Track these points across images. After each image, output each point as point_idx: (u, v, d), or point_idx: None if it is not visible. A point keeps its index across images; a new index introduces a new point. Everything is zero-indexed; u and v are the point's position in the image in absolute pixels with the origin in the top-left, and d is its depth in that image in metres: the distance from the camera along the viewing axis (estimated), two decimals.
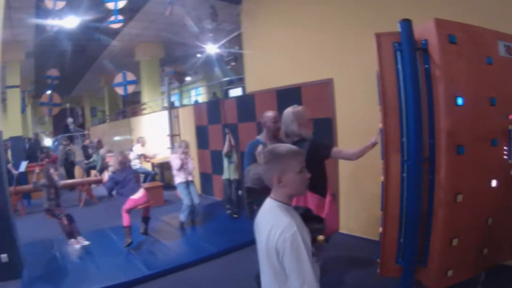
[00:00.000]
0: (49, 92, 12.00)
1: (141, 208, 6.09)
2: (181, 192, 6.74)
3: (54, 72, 11.46)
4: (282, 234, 1.76)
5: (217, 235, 6.26)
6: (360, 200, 5.20)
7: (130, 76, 10.89)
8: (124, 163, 6.07)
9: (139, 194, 5.96)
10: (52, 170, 6.15)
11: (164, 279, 4.93)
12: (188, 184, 6.76)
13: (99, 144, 11.45)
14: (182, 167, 6.68)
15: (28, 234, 6.62)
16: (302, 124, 3.60)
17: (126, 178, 5.96)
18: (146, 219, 6.20)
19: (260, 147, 3.97)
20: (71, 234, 5.91)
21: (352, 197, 5.28)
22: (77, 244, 5.83)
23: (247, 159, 3.90)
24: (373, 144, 3.61)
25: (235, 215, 7.15)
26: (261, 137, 4.23)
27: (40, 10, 9.78)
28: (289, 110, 3.69)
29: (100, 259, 5.48)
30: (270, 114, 4.20)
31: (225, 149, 7.19)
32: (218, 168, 7.70)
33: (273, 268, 1.81)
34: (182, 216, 6.72)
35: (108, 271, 5.11)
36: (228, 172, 7.24)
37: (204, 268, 5.15)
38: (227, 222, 7.00)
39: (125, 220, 5.87)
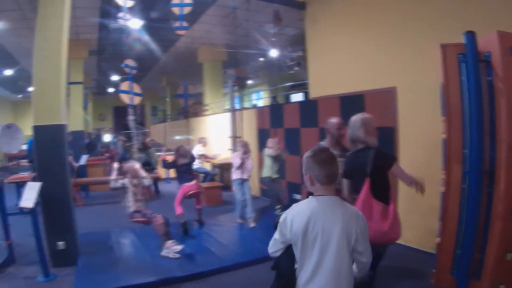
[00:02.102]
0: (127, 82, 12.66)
1: (192, 196, 7.04)
2: (235, 188, 7.45)
3: (131, 62, 12.16)
4: (360, 221, 2.28)
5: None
6: (417, 211, 5.23)
7: (191, 90, 11.34)
8: (184, 156, 7.03)
9: (192, 182, 6.95)
10: (137, 166, 5.97)
11: (217, 277, 5.09)
12: (243, 181, 7.36)
13: (144, 145, 12.05)
14: (241, 166, 7.28)
15: (85, 225, 6.88)
16: (369, 131, 3.72)
17: (183, 168, 6.98)
18: (199, 211, 7.19)
19: None
20: (168, 234, 5.58)
21: (410, 207, 5.30)
22: (178, 246, 5.45)
23: None
24: (421, 187, 3.58)
25: None
26: (325, 142, 4.48)
27: (105, 10, 10.53)
28: (358, 117, 3.83)
29: (156, 253, 5.66)
30: (334, 120, 4.44)
31: (273, 151, 7.13)
32: (279, 171, 7.77)
33: (349, 251, 2.23)
34: (236, 212, 7.44)
35: (164, 265, 5.32)
36: (272, 170, 7.22)
37: (260, 268, 5.21)
38: None
39: (177, 210, 6.77)
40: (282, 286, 2.51)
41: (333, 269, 2.20)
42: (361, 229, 2.26)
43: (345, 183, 3.85)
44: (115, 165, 5.90)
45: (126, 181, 5.76)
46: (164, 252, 5.48)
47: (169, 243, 5.47)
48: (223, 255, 5.75)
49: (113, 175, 5.80)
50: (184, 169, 7.02)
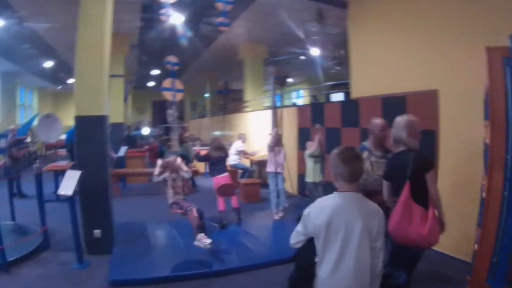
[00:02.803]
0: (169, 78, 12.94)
1: (227, 191, 7.26)
2: (269, 179, 7.90)
3: (172, 59, 12.48)
4: (380, 217, 2.44)
5: None
6: (453, 217, 4.99)
7: (231, 86, 11.27)
8: (219, 149, 7.35)
9: (223, 174, 7.21)
10: (179, 160, 6.26)
11: (253, 273, 5.19)
12: (276, 174, 7.80)
13: (181, 139, 12.40)
14: (272, 150, 7.72)
15: (121, 215, 7.07)
16: (411, 134, 3.73)
17: (216, 161, 7.27)
18: (236, 210, 7.43)
19: (365, 154, 4.27)
20: (201, 227, 5.87)
21: (446, 213, 5.22)
22: (207, 239, 5.71)
23: None
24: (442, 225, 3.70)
25: None
26: (367, 143, 4.53)
27: (146, 4, 10.90)
28: (403, 117, 3.85)
29: (192, 247, 5.76)
30: (378, 121, 4.48)
31: (313, 148, 7.22)
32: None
33: (370, 247, 2.38)
34: (272, 204, 7.79)
35: (199, 258, 5.52)
36: (313, 174, 7.24)
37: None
38: None
39: (220, 205, 7.20)
40: (301, 277, 2.63)
41: (354, 263, 2.34)
42: (381, 226, 2.43)
43: (385, 185, 3.88)
44: (159, 161, 6.16)
45: (166, 175, 6.08)
46: (196, 242, 5.74)
47: (200, 236, 5.76)
48: (259, 251, 5.90)
49: (156, 171, 6.07)
50: (216, 161, 7.27)
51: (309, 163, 7.30)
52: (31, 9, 10.44)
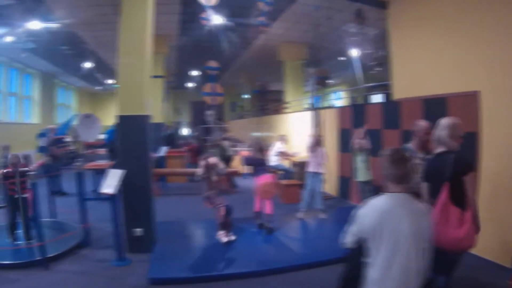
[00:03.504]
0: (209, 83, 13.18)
1: (267, 193, 7.14)
2: (307, 179, 8.09)
3: (213, 64, 12.72)
4: (427, 218, 2.57)
5: None
6: (493, 221, 4.99)
7: (268, 87, 11.29)
8: (260, 150, 7.43)
9: (267, 174, 7.23)
10: (214, 159, 6.61)
11: (294, 274, 5.23)
12: (315, 174, 7.98)
13: (215, 142, 12.68)
14: (312, 150, 7.95)
15: (161, 214, 7.12)
16: (453, 136, 3.75)
17: (259, 162, 7.35)
18: (268, 216, 7.12)
19: None
20: (224, 225, 6.28)
21: (485, 216, 5.00)
22: (225, 237, 6.22)
23: None
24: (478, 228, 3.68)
25: None
26: (411, 145, 4.59)
27: (186, 5, 11.18)
28: (447, 119, 3.87)
29: (232, 246, 6.02)
30: (423, 124, 4.54)
31: (356, 144, 7.28)
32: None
33: (419, 247, 2.47)
34: (303, 202, 8.04)
35: (239, 258, 5.64)
36: (363, 172, 7.25)
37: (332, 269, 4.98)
38: None
39: (256, 206, 7.26)
40: (350, 277, 2.76)
41: (403, 264, 2.42)
42: (430, 227, 2.54)
43: (424, 186, 3.91)
44: (202, 162, 6.46)
45: (201, 174, 6.44)
46: (217, 236, 6.29)
47: (220, 233, 6.31)
48: (298, 252, 6.04)
49: (201, 171, 6.39)
50: (260, 162, 7.37)
51: (358, 163, 7.32)
52: (70, 11, 10.90)
